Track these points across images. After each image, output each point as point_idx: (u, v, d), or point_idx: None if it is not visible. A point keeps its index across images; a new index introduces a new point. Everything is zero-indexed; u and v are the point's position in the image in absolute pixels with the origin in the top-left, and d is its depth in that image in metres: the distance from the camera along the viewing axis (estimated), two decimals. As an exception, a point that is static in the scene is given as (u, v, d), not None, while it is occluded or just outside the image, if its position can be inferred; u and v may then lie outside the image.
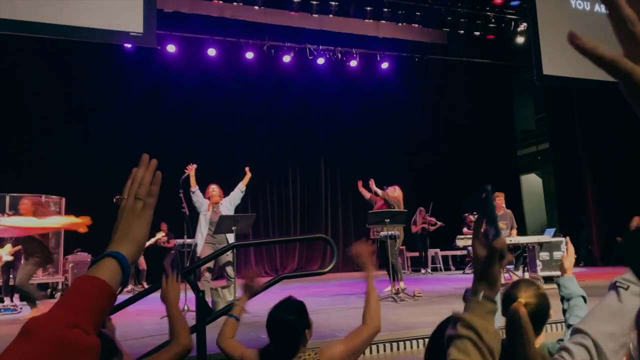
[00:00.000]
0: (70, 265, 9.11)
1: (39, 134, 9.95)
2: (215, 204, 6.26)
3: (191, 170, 6.20)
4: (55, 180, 9.52)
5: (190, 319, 2.44)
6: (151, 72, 10.69)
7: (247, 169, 6.54)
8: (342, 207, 13.01)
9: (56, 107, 10.21)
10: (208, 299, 5.36)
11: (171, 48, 9.84)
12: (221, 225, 5.99)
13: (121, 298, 2.23)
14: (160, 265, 9.43)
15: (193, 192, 6.25)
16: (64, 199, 9.52)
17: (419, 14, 9.61)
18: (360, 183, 7.62)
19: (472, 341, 0.80)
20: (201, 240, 6.15)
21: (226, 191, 6.60)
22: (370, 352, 4.13)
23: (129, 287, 9.04)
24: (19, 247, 7.60)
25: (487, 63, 11.97)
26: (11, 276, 7.63)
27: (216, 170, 10.59)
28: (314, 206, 12.80)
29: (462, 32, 9.97)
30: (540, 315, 1.53)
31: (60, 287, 9.03)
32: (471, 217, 9.89)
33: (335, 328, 4.45)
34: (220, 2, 9.11)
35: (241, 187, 6.51)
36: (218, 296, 5.51)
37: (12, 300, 7.50)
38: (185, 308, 5.47)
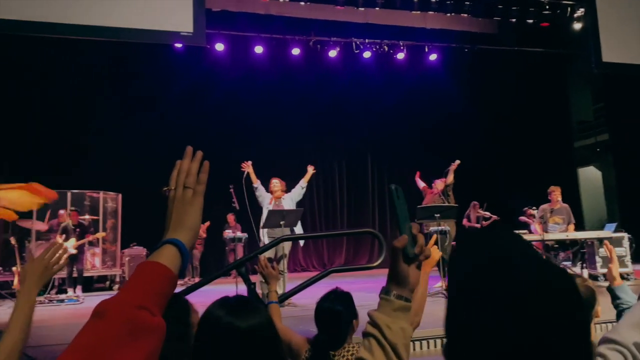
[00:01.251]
0: (127, 259, 9.51)
1: (96, 133, 10.40)
2: (278, 199, 6.32)
3: (247, 167, 6.30)
4: (112, 177, 9.93)
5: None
6: (199, 70, 10.95)
7: (309, 167, 6.58)
8: (389, 201, 12.89)
9: (111, 106, 10.63)
10: (259, 291, 5.47)
11: (219, 46, 10.03)
12: (269, 219, 6.08)
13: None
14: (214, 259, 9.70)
15: (256, 188, 6.35)
16: (120, 195, 9.94)
17: (468, 3, 9.34)
18: (418, 173, 7.57)
19: (376, 339, 0.81)
20: (265, 233, 6.25)
21: (266, 187, 6.70)
22: (421, 348, 4.09)
23: (182, 280, 9.34)
24: (83, 240, 8.08)
25: (540, 52, 11.50)
26: (74, 268, 8.08)
27: (263, 165, 10.74)
28: (361, 200, 12.76)
29: (513, 20, 9.63)
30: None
31: (117, 279, 9.43)
32: (530, 210, 9.58)
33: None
34: (267, -1, 9.21)
35: (302, 183, 6.57)
36: (267, 288, 5.59)
37: (74, 291, 7.92)
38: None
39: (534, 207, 8.64)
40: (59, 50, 9.34)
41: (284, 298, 2.42)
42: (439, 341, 4.09)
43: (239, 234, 6.23)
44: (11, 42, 8.57)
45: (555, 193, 7.37)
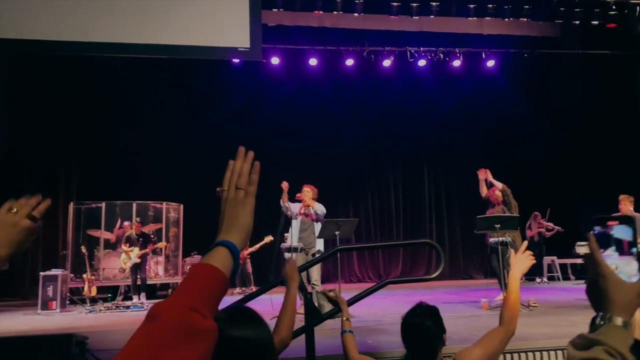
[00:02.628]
0: (187, 267, 9.80)
1: (159, 146, 10.85)
2: (307, 207, 6.22)
3: (285, 187, 6.26)
4: (174, 188, 10.32)
5: (298, 320, 2.50)
6: (256, 84, 11.24)
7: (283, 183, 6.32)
8: (447, 212, 12.62)
9: (172, 120, 11.08)
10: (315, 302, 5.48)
11: (275, 60, 10.24)
12: (324, 229, 6.09)
13: (232, 299, 2.34)
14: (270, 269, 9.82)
15: (287, 207, 6.28)
16: (181, 206, 10.30)
17: (527, 7, 9.05)
18: (482, 173, 7.21)
19: None
20: (290, 244, 6.23)
21: (328, 196, 6.69)
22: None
23: (238, 289, 9.52)
24: (146, 250, 8.46)
25: (607, 54, 10.95)
26: (138, 276, 8.43)
27: (315, 175, 10.81)
28: (417, 211, 12.56)
29: (577, 22, 9.23)
30: None
31: (179, 287, 9.74)
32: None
33: (447, 335, 4.31)
34: (320, 12, 9.31)
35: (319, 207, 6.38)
36: (323, 299, 5.60)
37: (139, 298, 8.26)
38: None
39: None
40: (126, 68, 9.87)
41: (338, 310, 2.40)
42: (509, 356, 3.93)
43: (294, 244, 6.25)
44: (83, 60, 9.18)
45: (625, 202, 6.95)
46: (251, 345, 1.09)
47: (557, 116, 12.22)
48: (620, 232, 0.88)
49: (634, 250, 0.86)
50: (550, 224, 10.32)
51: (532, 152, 12.26)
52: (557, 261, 10.73)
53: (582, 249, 7.14)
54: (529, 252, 2.05)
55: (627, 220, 0.88)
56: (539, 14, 9.20)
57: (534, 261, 2.08)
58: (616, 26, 9.49)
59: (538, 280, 10.34)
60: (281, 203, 6.29)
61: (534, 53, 10.72)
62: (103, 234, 9.44)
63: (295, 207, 6.30)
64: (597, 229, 0.90)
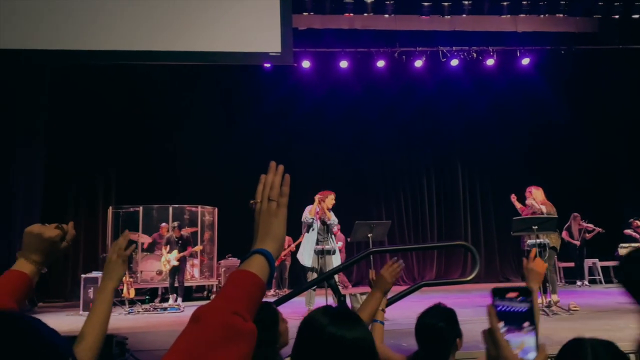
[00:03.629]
0: (222, 270, 9.94)
1: (194, 150, 11.06)
2: (323, 213, 6.23)
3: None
4: (208, 192, 10.50)
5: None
6: (287, 87, 11.32)
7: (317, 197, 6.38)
8: (482, 213, 12.38)
9: (207, 125, 11.28)
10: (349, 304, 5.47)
11: (306, 64, 10.29)
12: (357, 232, 6.09)
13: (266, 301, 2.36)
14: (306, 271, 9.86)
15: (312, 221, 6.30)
16: (216, 209, 10.46)
17: (563, 2, 8.83)
18: (513, 197, 7.17)
19: None
20: (304, 249, 6.22)
21: (361, 199, 6.68)
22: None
23: (272, 291, 9.60)
24: (185, 252, 8.63)
25: (648, 48, 10.54)
26: (176, 279, 8.60)
27: (346, 179, 10.84)
28: (452, 212, 12.36)
29: (616, 17, 8.94)
30: None
31: (214, 289, 9.89)
32: (637, 222, 8.78)
33: (479, 339, 4.23)
34: (351, 14, 9.32)
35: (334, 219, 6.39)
36: (357, 302, 5.59)
37: (176, 300, 8.41)
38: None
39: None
40: (164, 75, 10.14)
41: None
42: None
43: (327, 247, 6.26)
44: (122, 68, 9.45)
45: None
46: (361, 345, 1.11)
47: (597, 114, 11.84)
48: (516, 305, 0.84)
49: (526, 325, 0.81)
50: (591, 225, 10.00)
51: (571, 152, 11.91)
52: (599, 264, 10.37)
53: (624, 250, 6.90)
54: (538, 259, 1.97)
55: (525, 292, 0.84)
56: (576, 9, 8.97)
57: (545, 265, 2.00)
58: (658, 19, 9.13)
59: (579, 283, 10.02)
60: (308, 215, 6.28)
61: (571, 49, 10.42)
62: (141, 237, 9.67)
63: (307, 214, 6.31)
64: (497, 301, 0.86)
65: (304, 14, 8.96)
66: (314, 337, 1.12)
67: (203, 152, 11.03)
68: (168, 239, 8.81)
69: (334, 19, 10.06)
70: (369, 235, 6.06)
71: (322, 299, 6.06)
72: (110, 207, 10.13)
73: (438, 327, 1.87)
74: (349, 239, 6.50)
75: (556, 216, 6.14)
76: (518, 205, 7.02)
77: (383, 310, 2.26)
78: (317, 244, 6.14)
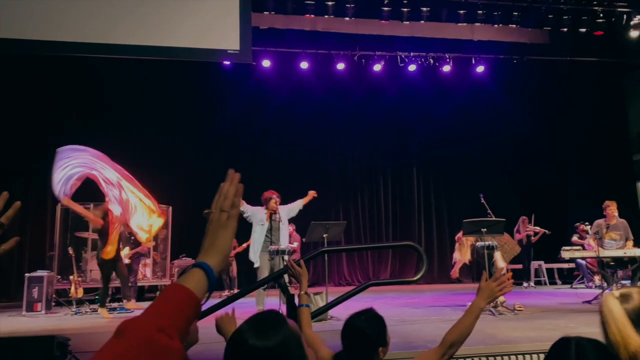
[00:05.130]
0: (176, 270, 9.77)
1: (148, 147, 10.82)
2: (274, 212, 6.25)
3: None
4: (162, 190, 10.27)
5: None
6: (247, 87, 11.25)
7: (313, 192, 6.50)
8: (436, 215, 12.67)
9: (163, 122, 11.05)
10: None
11: (266, 63, 10.26)
12: (312, 232, 6.11)
13: (212, 302, 2.34)
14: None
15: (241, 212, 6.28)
16: (170, 208, 10.26)
17: (516, 13, 9.16)
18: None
19: None
20: (253, 249, 6.22)
21: (319, 199, 6.70)
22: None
23: (226, 292, 9.49)
24: (137, 249, 8.26)
25: (595, 61, 11.09)
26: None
27: (310, 179, 10.84)
28: (407, 215, 12.60)
29: (565, 30, 9.35)
30: None
31: (167, 289, 9.69)
32: (583, 226, 9.19)
33: (428, 339, 4.34)
34: (313, 16, 9.35)
35: (300, 205, 6.46)
36: (310, 302, 5.60)
37: (128, 301, 8.15)
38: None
39: (587, 223, 8.27)
40: (117, 69, 9.85)
41: (321, 311, 2.41)
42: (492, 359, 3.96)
43: (282, 247, 6.25)
44: (73, 60, 9.13)
45: (611, 208, 7.03)
46: (280, 352, 1.09)
47: (549, 122, 12.35)
48: None
49: None
50: (537, 228, 10.41)
51: (525, 158, 12.37)
52: (544, 266, 10.81)
53: (567, 253, 7.21)
54: (502, 281, 1.94)
55: None
56: (529, 21, 9.32)
57: (505, 291, 1.97)
58: (604, 34, 9.61)
59: (525, 284, 10.41)
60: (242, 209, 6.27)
61: (523, 59, 10.82)
62: (91, 235, 9.37)
63: (257, 211, 6.28)
64: None
65: (266, 13, 8.93)
66: (236, 350, 1.11)
67: (159, 149, 10.79)
68: (120, 234, 8.42)
69: (297, 19, 10.06)
70: (325, 235, 6.09)
71: (275, 299, 6.05)
72: (59, 205, 9.76)
73: (364, 333, 1.84)
74: (304, 240, 6.51)
75: (504, 219, 6.36)
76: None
77: (307, 294, 2.26)
78: (271, 243, 6.13)
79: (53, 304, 7.79)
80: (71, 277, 8.18)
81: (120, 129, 10.59)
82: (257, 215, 6.28)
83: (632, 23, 9.25)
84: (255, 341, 1.08)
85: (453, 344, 1.87)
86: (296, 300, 2.35)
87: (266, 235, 6.17)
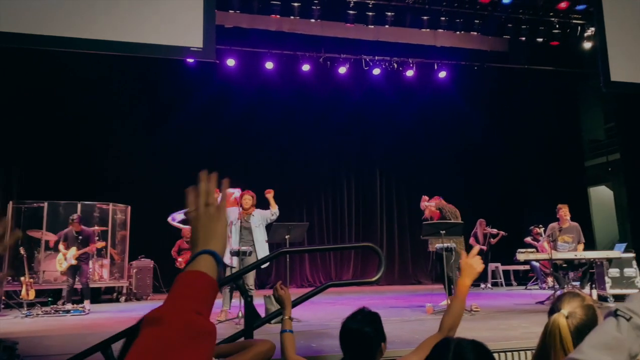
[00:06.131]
0: (134, 271, 9.55)
1: (107, 145, 10.54)
2: (248, 214, 6.21)
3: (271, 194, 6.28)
4: (122, 190, 10.03)
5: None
6: (212, 86, 11.10)
7: (267, 191, 6.43)
8: (398, 218, 12.84)
9: (122, 121, 10.79)
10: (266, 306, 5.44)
11: (230, 62, 10.17)
12: (275, 233, 6.09)
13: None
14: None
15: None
16: (129, 208, 10.02)
17: (477, 21, 9.38)
18: (424, 198, 7.44)
19: None
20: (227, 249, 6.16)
21: (282, 201, 6.68)
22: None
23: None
24: (84, 249, 7.91)
25: (551, 70, 11.50)
26: (76, 280, 7.98)
27: (274, 180, 10.79)
28: (370, 217, 12.72)
29: (524, 39, 9.65)
30: (586, 329, 1.44)
31: (124, 291, 9.46)
32: (537, 229, 9.50)
33: (389, 339, 4.38)
34: (279, 16, 9.32)
35: (272, 211, 6.41)
36: (271, 303, 5.58)
37: (74, 304, 7.85)
38: (239, 314, 5.57)
39: (541, 226, 8.57)
40: (76, 65, 9.54)
41: (280, 313, 2.39)
42: None
43: (243, 247, 6.19)
44: (30, 55, 8.79)
45: (563, 210, 7.30)
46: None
47: (508, 128, 12.73)
48: None
49: None
50: (495, 230, 10.71)
51: (483, 161, 12.68)
52: (501, 267, 11.12)
53: (522, 255, 7.44)
54: (478, 257, 2.03)
55: None
56: (489, 29, 9.55)
57: (483, 265, 2.07)
58: (560, 44, 9.97)
59: (482, 285, 10.68)
60: (272, 210, 6.26)
61: (483, 66, 11.12)
62: (45, 235, 9.04)
63: (232, 211, 6.24)
64: None
65: (231, 11, 8.83)
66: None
67: (118, 147, 10.53)
68: (66, 234, 7.84)
69: (262, 19, 10.01)
70: (287, 236, 6.08)
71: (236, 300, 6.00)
72: (11, 202, 9.37)
73: (364, 332, 1.84)
74: (266, 241, 6.47)
75: (462, 222, 6.51)
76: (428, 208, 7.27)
77: (291, 319, 2.22)
78: (242, 244, 6.07)
79: (2, 306, 7.47)
80: (22, 278, 7.86)
81: (78, 126, 10.28)
82: (231, 214, 6.22)
83: (585, 35, 9.61)
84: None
85: (451, 327, 1.93)
86: (263, 303, 2.32)
87: (239, 236, 6.12)
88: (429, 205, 6.81)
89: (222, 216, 0.96)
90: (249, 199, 6.25)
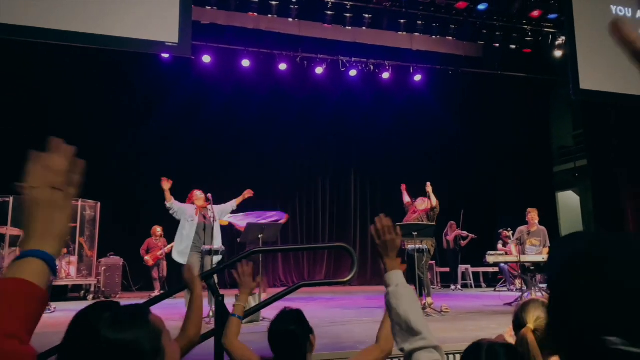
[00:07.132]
0: (103, 269, 9.35)
1: (78, 140, 10.27)
2: (203, 209, 6.18)
3: (167, 183, 6.11)
4: (91, 186, 9.80)
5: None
6: (187, 82, 10.96)
7: (248, 191, 6.51)
8: (371, 219, 12.79)
9: (94, 114, 10.55)
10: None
11: (206, 59, 10.05)
12: (248, 233, 6.05)
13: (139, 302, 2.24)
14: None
15: (170, 206, 6.16)
16: (99, 204, 9.81)
17: (453, 26, 9.53)
18: (404, 186, 7.57)
19: None
20: (180, 247, 6.13)
21: (256, 200, 6.65)
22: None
23: (156, 292, 9.17)
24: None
25: (523, 77, 11.76)
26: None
27: (249, 179, 10.72)
28: (344, 218, 12.77)
29: (497, 45, 9.84)
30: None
31: (92, 289, 9.26)
32: (506, 232, 9.68)
33: (359, 340, 4.41)
34: (256, 14, 9.27)
35: (234, 204, 6.46)
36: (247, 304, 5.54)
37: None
38: (211, 314, 5.50)
39: (509, 229, 8.75)
40: (49, 58, 9.31)
41: (250, 312, 2.38)
42: None
43: (215, 246, 6.14)
44: (7, 46, 8.51)
45: (532, 214, 7.47)
46: (125, 349, 0.93)
47: (482, 132, 12.93)
48: None
49: None
50: (465, 232, 10.88)
51: (455, 164, 12.86)
52: (471, 269, 11.31)
53: (492, 258, 7.58)
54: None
55: None
56: (464, 34, 9.71)
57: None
58: (531, 51, 10.21)
59: (452, 287, 10.84)
60: (167, 203, 6.13)
61: (458, 71, 11.29)
62: (10, 230, 8.77)
63: (188, 208, 6.18)
64: None
65: (208, 8, 8.74)
66: (86, 340, 0.93)
67: (88, 142, 10.28)
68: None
69: (239, 17, 9.93)
70: (260, 236, 6.04)
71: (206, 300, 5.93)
72: (-25, 195, 9.07)
73: (290, 331, 1.88)
74: (238, 240, 6.44)
75: (434, 224, 6.59)
76: (406, 197, 7.39)
77: (242, 305, 2.22)
78: (203, 243, 6.01)
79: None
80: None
81: (47, 120, 10.00)
82: (186, 211, 6.18)
83: (556, 43, 9.87)
84: (113, 334, 0.92)
85: (387, 337, 1.99)
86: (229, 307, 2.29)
87: (196, 233, 6.05)
88: (432, 199, 6.83)
89: (68, 207, 0.80)
90: (200, 195, 6.23)
